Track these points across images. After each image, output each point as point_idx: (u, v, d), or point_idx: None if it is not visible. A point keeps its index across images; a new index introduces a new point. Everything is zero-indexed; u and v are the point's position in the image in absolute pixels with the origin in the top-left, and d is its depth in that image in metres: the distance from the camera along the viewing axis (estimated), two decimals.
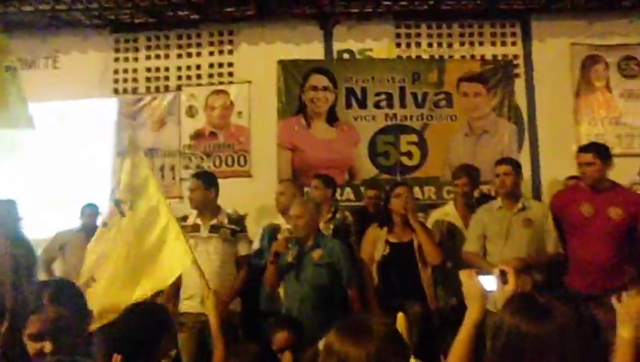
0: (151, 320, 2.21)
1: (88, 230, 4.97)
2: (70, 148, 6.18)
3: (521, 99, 6.14)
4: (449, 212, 4.45)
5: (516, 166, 4.10)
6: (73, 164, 6.12)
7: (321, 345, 1.59)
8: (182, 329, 3.78)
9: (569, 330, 1.45)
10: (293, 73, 6.15)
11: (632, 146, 6.06)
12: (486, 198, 4.67)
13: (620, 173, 4.04)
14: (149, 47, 6.35)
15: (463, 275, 1.92)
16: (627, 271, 3.71)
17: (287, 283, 3.76)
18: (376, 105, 6.08)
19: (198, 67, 6.27)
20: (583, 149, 3.93)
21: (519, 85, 6.16)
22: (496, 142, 6.02)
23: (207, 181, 4.12)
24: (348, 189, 5.97)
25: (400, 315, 2.41)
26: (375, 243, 3.88)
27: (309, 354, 3.10)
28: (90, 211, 5.13)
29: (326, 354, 1.47)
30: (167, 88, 6.28)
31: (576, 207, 3.85)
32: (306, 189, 5.08)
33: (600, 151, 3.82)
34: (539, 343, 1.44)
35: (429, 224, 4.41)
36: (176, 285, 4.00)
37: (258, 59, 6.20)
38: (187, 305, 3.89)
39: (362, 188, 5.73)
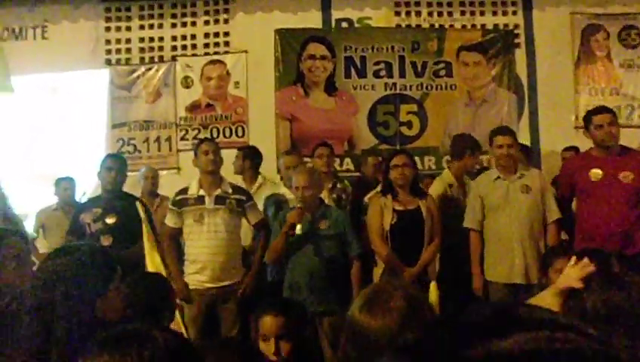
0: (156, 289, 2.45)
1: (65, 207, 4.85)
2: (63, 120, 6.02)
3: (521, 68, 6.08)
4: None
5: (514, 135, 4.03)
6: (66, 136, 5.97)
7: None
8: (190, 303, 3.73)
9: None
10: (291, 42, 6.02)
11: (632, 118, 6.03)
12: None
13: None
14: (142, 17, 6.14)
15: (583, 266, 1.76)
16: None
17: (295, 257, 3.63)
18: (376, 75, 5.99)
19: (194, 37, 6.10)
20: (599, 111, 3.81)
21: (519, 55, 6.09)
22: (496, 111, 5.98)
23: (219, 148, 4.02)
24: (347, 159, 5.92)
25: (433, 284, 2.35)
26: (382, 212, 3.73)
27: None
28: (66, 184, 4.95)
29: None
30: (161, 59, 6.11)
31: (585, 173, 3.78)
32: (306, 160, 5.01)
33: (614, 112, 3.86)
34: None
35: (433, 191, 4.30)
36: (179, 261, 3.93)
37: (255, 28, 6.05)
38: (194, 279, 3.76)
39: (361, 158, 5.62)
